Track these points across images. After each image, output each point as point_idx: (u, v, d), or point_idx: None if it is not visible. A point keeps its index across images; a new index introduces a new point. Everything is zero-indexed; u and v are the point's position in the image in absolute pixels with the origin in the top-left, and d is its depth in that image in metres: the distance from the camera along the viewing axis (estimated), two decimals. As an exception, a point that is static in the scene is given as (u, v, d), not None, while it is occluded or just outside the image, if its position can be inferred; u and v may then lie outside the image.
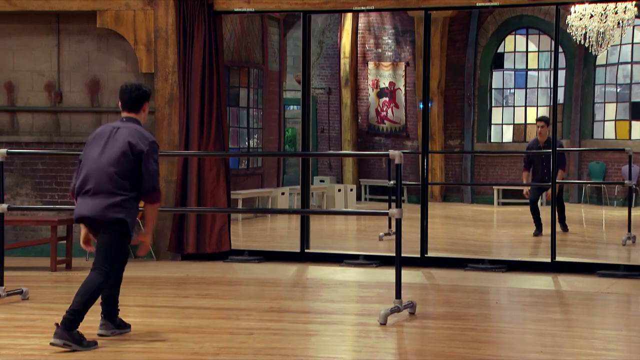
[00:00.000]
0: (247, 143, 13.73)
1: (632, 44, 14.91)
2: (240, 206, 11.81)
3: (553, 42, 15.22)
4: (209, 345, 4.99)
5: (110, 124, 5.33)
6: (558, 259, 8.06)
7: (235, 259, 8.67)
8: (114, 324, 5.28)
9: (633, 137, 14.82)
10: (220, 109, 8.68)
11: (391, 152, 5.95)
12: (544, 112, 15.85)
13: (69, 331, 4.83)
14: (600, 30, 12.03)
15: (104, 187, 5.04)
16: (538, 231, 10.24)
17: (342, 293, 7.15)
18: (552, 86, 8.83)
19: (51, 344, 4.80)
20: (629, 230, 9.56)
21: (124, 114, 5.30)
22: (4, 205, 6.42)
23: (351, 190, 14.76)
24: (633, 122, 14.93)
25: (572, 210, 13.22)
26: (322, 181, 15.19)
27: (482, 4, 8.20)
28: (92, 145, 5.22)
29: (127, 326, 5.36)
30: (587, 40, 12.15)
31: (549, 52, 15.69)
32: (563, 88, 14.79)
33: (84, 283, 5.02)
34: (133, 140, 5.13)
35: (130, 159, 5.11)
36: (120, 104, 5.32)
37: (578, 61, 15.01)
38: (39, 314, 5.91)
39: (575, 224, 12.09)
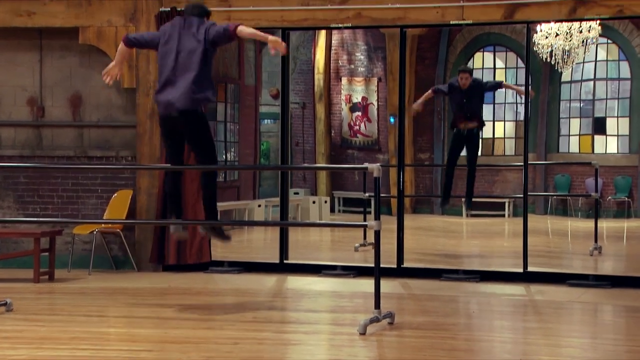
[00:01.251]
0: (224, 156, 13.68)
1: (595, 61, 15.12)
2: (218, 218, 11.74)
3: (519, 59, 15.42)
4: (196, 355, 4.94)
5: None
6: (529, 269, 8.12)
7: (216, 269, 8.63)
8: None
9: (596, 150, 15.02)
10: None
11: (369, 165, 5.95)
12: (510, 126, 15.99)
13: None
14: (566, 48, 12.20)
15: None
16: (445, 201, 9.80)
17: (322, 303, 7.14)
18: (524, 102, 8.91)
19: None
20: (596, 241, 9.65)
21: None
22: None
23: (325, 202, 14.76)
24: (596, 137, 15.13)
25: (539, 222, 13.33)
26: (296, 193, 15.17)
27: (455, 21, 8.27)
28: None
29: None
30: (552, 58, 12.32)
31: (515, 69, 15.86)
32: (529, 104, 14.96)
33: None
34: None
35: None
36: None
37: (544, 78, 15.17)
38: (25, 325, 5.82)
39: (543, 235, 12.20)
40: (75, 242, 8.81)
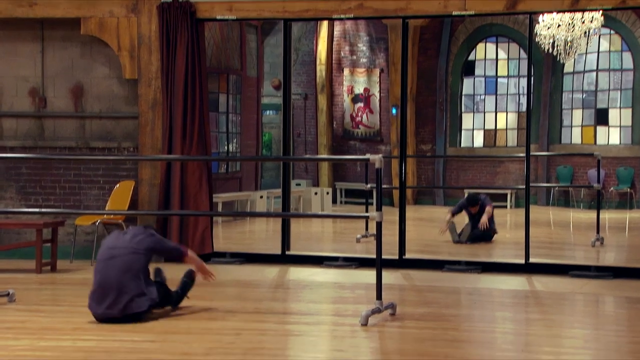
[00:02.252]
0: (226, 147, 13.68)
1: (598, 52, 15.09)
2: (220, 209, 11.78)
3: (521, 50, 15.38)
4: (198, 346, 4.96)
5: None
6: (531, 260, 8.12)
7: (218, 260, 8.63)
8: None
9: (598, 142, 15.00)
10: (202, 114, 8.64)
11: (371, 156, 5.94)
12: (512, 117, 15.98)
13: None
14: (568, 39, 12.16)
15: None
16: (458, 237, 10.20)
17: (323, 294, 7.14)
18: (526, 92, 8.89)
19: None
20: (598, 232, 9.65)
21: None
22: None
23: (327, 193, 14.76)
24: (598, 128, 15.11)
25: (541, 213, 13.33)
26: (298, 184, 15.18)
27: (458, 12, 8.25)
28: None
29: None
30: (555, 49, 12.28)
31: (518, 60, 15.83)
32: (532, 95, 14.93)
33: None
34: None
35: None
36: None
37: (546, 69, 15.15)
38: (27, 316, 5.84)
39: (544, 226, 12.19)
40: (77, 233, 8.82)
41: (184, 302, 6.14)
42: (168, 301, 5.92)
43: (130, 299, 5.51)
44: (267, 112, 17.09)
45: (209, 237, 8.67)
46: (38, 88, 9.07)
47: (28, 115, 9.08)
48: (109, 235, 5.93)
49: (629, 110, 14.78)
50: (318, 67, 16.99)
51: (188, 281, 6.20)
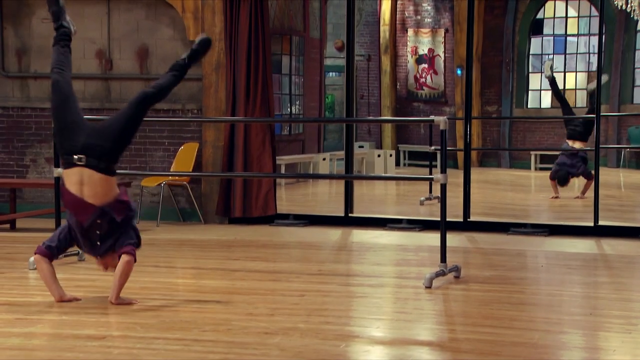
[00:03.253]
0: (289, 109, 13.70)
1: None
2: (283, 171, 11.83)
3: (592, 7, 14.95)
4: (263, 306, 5.01)
5: None
6: (600, 223, 7.96)
7: (281, 222, 8.68)
8: None
9: (672, 102, 14.56)
10: (266, 76, 8.65)
11: (436, 118, 5.87)
12: (582, 77, 15.59)
13: None
14: (642, -5, 11.74)
15: None
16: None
17: (387, 256, 7.13)
18: (597, 51, 8.64)
19: None
20: (670, 195, 9.41)
21: None
22: (60, 170, 6.46)
23: (390, 155, 14.70)
24: (672, 87, 14.65)
25: (611, 175, 13.05)
26: (361, 147, 15.14)
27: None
28: None
29: None
30: (628, 5, 11.88)
31: (589, 18, 15.40)
32: (603, 53, 14.52)
33: None
34: None
35: None
36: None
37: (618, 26, 14.72)
38: (97, 275, 5.95)
39: (615, 188, 11.94)
40: (143, 194, 8.98)
41: (250, 263, 6.19)
42: None
43: None
44: (330, 73, 17.04)
45: (272, 199, 8.72)
46: (104, 50, 9.19)
47: (95, 77, 9.22)
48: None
49: None
50: (382, 28, 16.82)
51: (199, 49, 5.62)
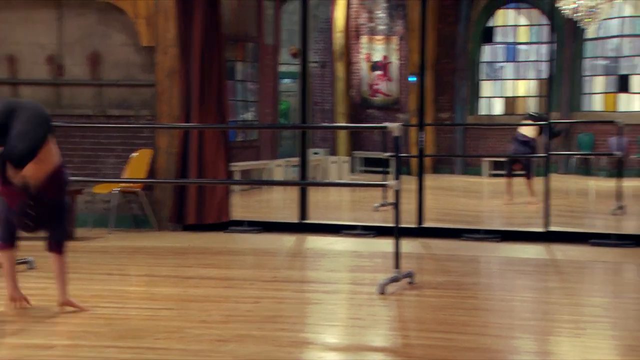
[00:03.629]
0: (243, 116, 13.67)
1: (621, 17, 14.88)
2: (237, 178, 11.79)
3: (544, 16, 15.19)
4: (216, 314, 4.98)
5: None
6: (551, 228, 8.08)
7: (235, 229, 8.65)
8: None
9: (620, 109, 14.86)
10: (220, 82, 8.62)
11: (389, 125, 5.93)
12: (533, 84, 15.83)
13: None
14: (591, 4, 11.98)
15: None
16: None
17: (341, 263, 7.15)
18: (548, 59, 8.79)
19: None
20: (618, 200, 9.58)
21: None
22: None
23: (345, 162, 14.73)
24: (620, 95, 14.95)
25: (561, 181, 13.25)
26: (316, 153, 15.16)
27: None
28: None
29: None
30: (577, 15, 12.11)
31: (539, 26, 15.65)
32: (552, 62, 14.74)
33: None
34: None
35: None
36: None
37: (567, 35, 14.97)
38: (47, 283, 5.86)
39: (565, 194, 12.13)
40: (95, 201, 8.86)
41: (204, 270, 6.15)
42: None
43: None
44: (285, 80, 17.03)
45: (226, 206, 8.69)
46: (55, 56, 9.06)
47: (45, 83, 9.08)
48: None
49: (652, 77, 14.60)
50: (336, 35, 16.88)
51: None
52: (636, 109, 14.81)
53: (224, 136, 8.68)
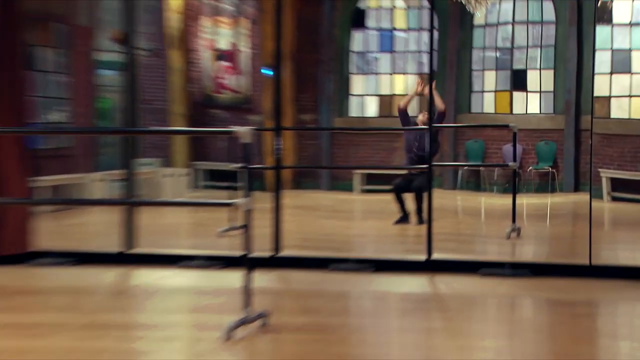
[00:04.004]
0: (50, 117, 13.42)
1: (514, 1, 15.56)
2: (43, 196, 11.54)
3: (424, -2, 15.68)
4: (15, 372, 4.86)
5: None
6: (434, 256, 8.33)
7: (40, 262, 8.49)
8: None
9: (515, 110, 15.51)
10: (14, 73, 8.47)
11: (238, 128, 5.98)
12: (413, 80, 16.30)
13: None
14: (479, -15, 12.47)
15: None
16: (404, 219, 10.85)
17: (178, 302, 7.14)
18: (429, 50, 9.07)
19: None
20: (514, 221, 9.98)
21: None
22: None
23: (183, 175, 14.68)
24: (515, 93, 15.61)
25: (447, 198, 13.71)
26: (147, 164, 15.02)
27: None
28: None
29: None
30: (463, -3, 12.57)
31: (418, 10, 16.15)
32: (436, 53, 15.22)
33: None
34: None
35: None
36: None
37: (452, 21, 15.53)
38: None
39: (451, 214, 12.54)
40: None
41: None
42: None
43: None
44: (106, 72, 16.79)
45: (27, 232, 8.52)
46: None
47: None
48: None
49: (551, 72, 15.32)
50: (170, 16, 16.81)
51: None
52: (533, 110, 15.46)
53: (22, 143, 8.51)
